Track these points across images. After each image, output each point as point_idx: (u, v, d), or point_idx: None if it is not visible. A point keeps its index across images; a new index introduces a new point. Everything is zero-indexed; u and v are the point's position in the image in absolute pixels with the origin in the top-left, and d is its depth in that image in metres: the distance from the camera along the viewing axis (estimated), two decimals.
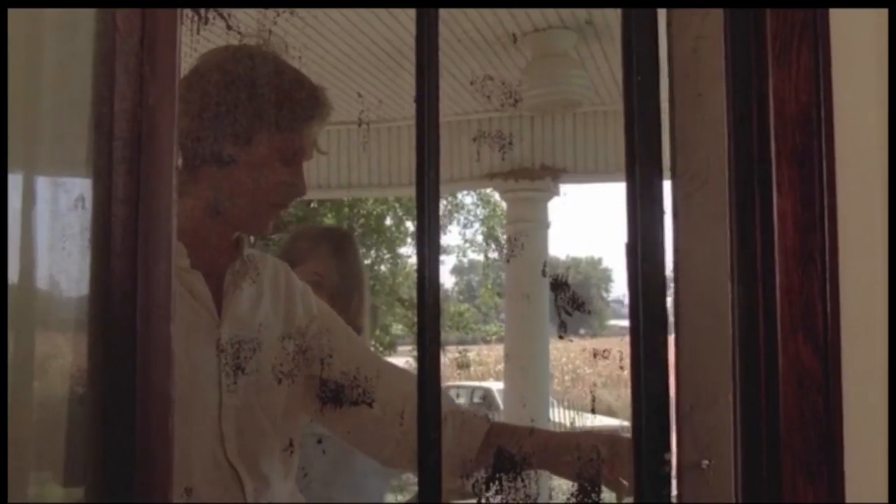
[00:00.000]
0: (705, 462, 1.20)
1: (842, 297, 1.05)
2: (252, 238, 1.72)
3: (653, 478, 0.98)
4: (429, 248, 1.04)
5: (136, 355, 1.00)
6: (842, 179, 1.06)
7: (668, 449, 1.00)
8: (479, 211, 13.94)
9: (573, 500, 1.43)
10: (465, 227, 14.21)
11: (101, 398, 1.01)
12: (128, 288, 1.01)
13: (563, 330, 1.56)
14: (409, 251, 12.89)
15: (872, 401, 1.05)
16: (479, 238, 14.38)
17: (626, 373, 1.07)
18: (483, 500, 1.50)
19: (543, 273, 1.67)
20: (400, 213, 12.56)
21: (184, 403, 1.17)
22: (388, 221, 12.59)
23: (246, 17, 1.45)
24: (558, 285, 1.52)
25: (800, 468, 1.03)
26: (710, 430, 1.20)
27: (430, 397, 1.03)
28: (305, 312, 1.71)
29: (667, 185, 1.44)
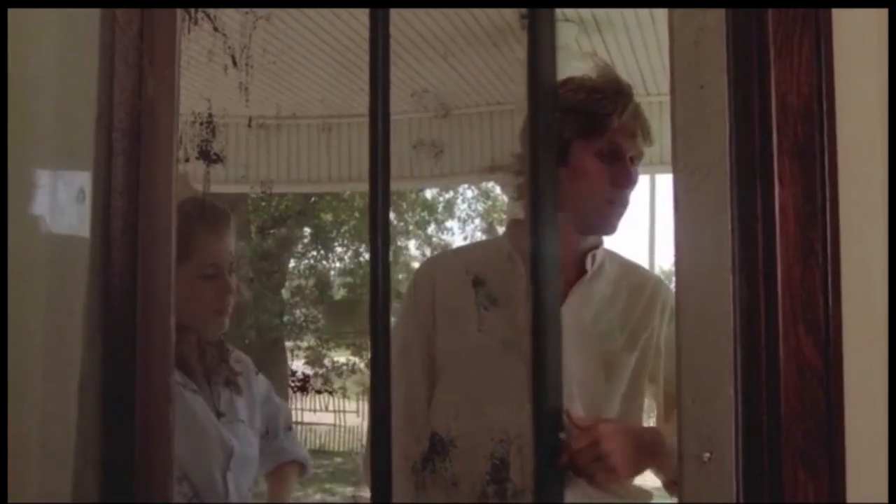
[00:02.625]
0: (706, 455, 1.20)
1: (843, 289, 1.05)
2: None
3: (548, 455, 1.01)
4: (381, 248, 1.05)
5: (135, 346, 1.00)
6: (843, 172, 1.06)
7: (563, 429, 1.04)
8: (479, 206, 13.94)
9: (487, 477, 1.57)
10: (464, 221, 14.20)
11: (101, 389, 1.01)
12: (128, 279, 1.01)
13: (481, 324, 1.73)
14: (407, 245, 12.88)
15: (873, 393, 1.04)
16: (479, 234, 14.37)
17: None
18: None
19: None
20: (402, 206, 12.55)
21: None
22: (391, 216, 12.58)
23: (231, 22, 1.47)
24: (477, 282, 1.74)
25: (801, 461, 1.03)
26: (711, 423, 1.20)
27: (381, 390, 1.05)
28: None
29: (669, 179, 1.44)
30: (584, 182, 1.67)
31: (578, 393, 1.65)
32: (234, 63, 1.52)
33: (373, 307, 1.03)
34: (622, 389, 1.68)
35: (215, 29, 1.41)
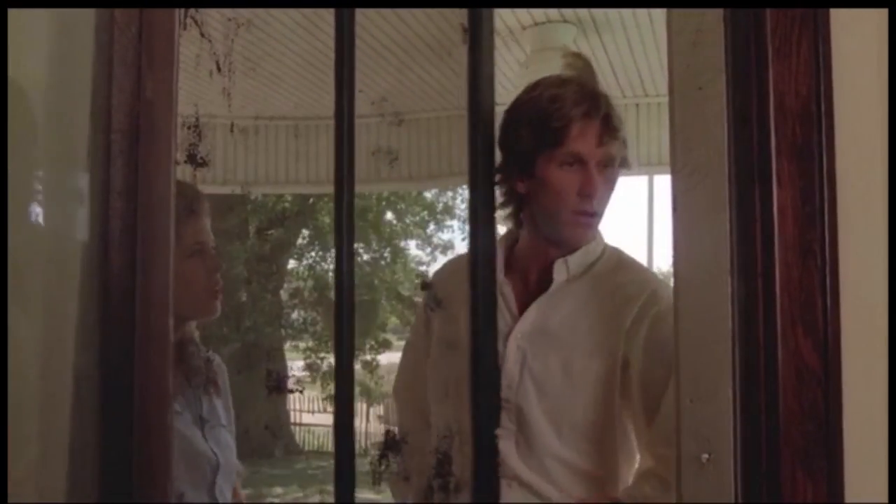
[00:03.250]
0: (705, 456, 1.20)
1: (842, 290, 1.05)
2: None
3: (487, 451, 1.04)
4: (346, 254, 1.07)
5: (134, 347, 1.00)
6: (842, 173, 1.06)
7: (499, 425, 1.10)
8: None
9: (432, 472, 1.61)
10: (464, 221, 14.16)
11: (99, 390, 1.01)
12: (126, 280, 1.01)
13: (428, 325, 1.80)
14: (408, 247, 12.89)
15: (872, 395, 1.04)
16: None
17: None
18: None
19: None
20: (401, 207, 12.56)
21: None
22: (389, 216, 12.58)
23: (214, 32, 1.48)
24: (424, 285, 1.83)
25: (799, 462, 1.03)
26: (710, 424, 1.20)
27: (343, 385, 1.08)
28: None
29: (667, 179, 1.44)
30: (550, 194, 1.64)
31: (540, 398, 1.63)
32: (219, 69, 1.53)
33: (338, 310, 1.06)
34: (589, 399, 1.63)
35: (202, 34, 1.43)
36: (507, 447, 1.63)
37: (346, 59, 1.07)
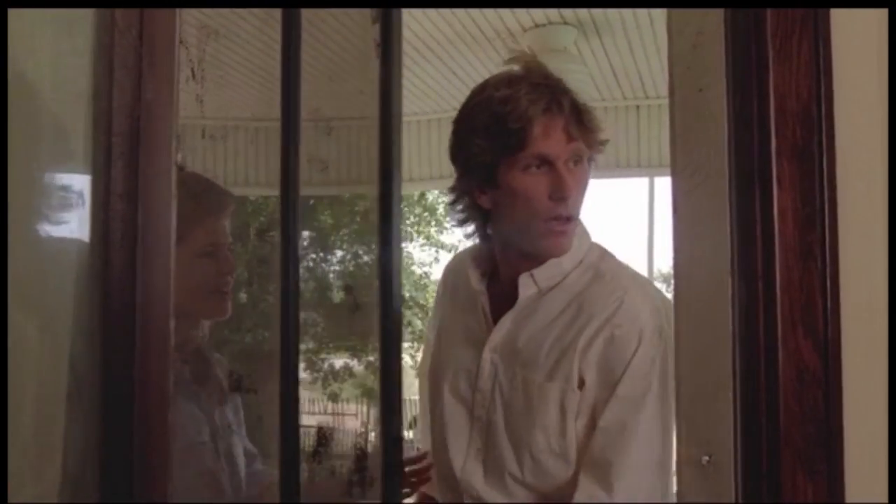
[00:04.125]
0: (705, 458, 1.20)
1: (842, 292, 1.05)
2: None
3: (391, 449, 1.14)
4: (291, 265, 1.12)
5: (134, 350, 1.00)
6: (842, 175, 1.06)
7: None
8: None
9: (352, 467, 1.65)
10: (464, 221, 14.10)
11: (99, 394, 1.01)
12: (127, 283, 1.01)
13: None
14: (408, 246, 12.87)
15: (873, 396, 1.04)
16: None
17: None
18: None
19: None
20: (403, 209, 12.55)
21: None
22: None
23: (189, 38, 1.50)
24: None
25: (800, 463, 1.03)
26: (710, 426, 1.20)
27: (287, 386, 1.12)
28: None
29: (668, 181, 1.44)
30: (518, 204, 1.47)
31: (506, 418, 1.51)
32: (193, 75, 1.55)
33: (283, 313, 1.09)
34: (548, 422, 1.47)
35: (180, 41, 1.46)
36: (474, 468, 1.55)
37: (293, 57, 1.14)
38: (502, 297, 1.57)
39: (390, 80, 1.16)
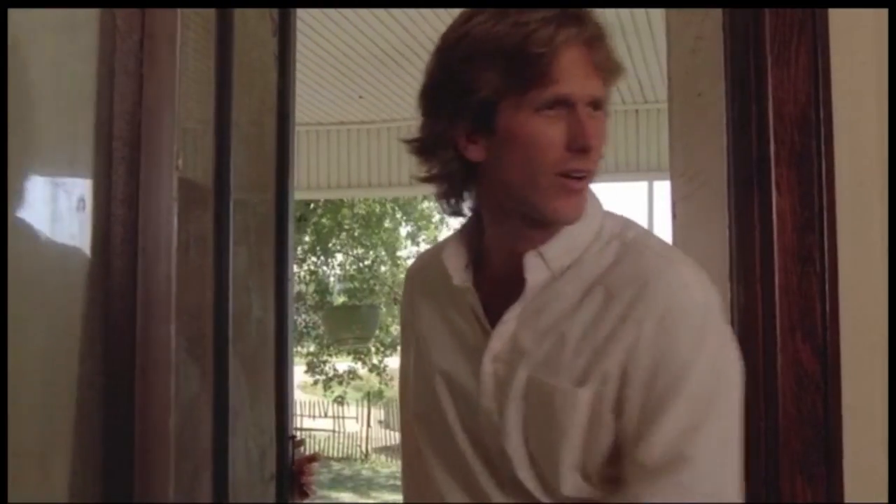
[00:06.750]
0: None
1: (840, 296, 1.05)
2: None
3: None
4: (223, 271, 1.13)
5: (135, 352, 1.01)
6: (840, 180, 1.06)
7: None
8: None
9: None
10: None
11: (101, 397, 1.01)
12: (128, 286, 1.01)
13: None
14: (408, 252, 12.87)
15: (872, 401, 1.05)
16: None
17: None
18: None
19: None
20: (398, 216, 12.56)
21: None
22: (387, 224, 12.58)
23: None
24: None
25: (799, 468, 1.03)
26: None
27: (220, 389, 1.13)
28: None
29: (667, 185, 1.44)
30: (525, 152, 1.12)
31: (515, 445, 1.13)
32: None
33: (216, 311, 1.10)
34: (575, 435, 1.10)
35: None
36: None
37: (225, 59, 1.14)
38: (497, 290, 1.20)
39: (287, 90, 1.17)
